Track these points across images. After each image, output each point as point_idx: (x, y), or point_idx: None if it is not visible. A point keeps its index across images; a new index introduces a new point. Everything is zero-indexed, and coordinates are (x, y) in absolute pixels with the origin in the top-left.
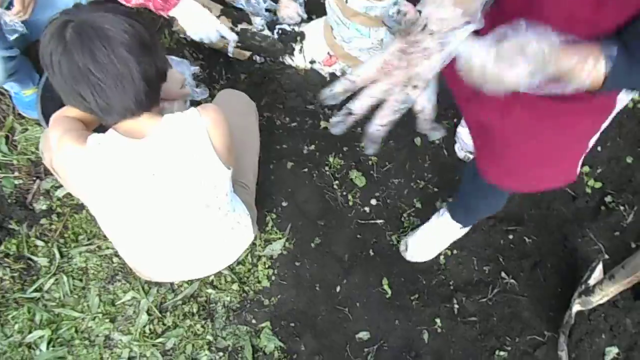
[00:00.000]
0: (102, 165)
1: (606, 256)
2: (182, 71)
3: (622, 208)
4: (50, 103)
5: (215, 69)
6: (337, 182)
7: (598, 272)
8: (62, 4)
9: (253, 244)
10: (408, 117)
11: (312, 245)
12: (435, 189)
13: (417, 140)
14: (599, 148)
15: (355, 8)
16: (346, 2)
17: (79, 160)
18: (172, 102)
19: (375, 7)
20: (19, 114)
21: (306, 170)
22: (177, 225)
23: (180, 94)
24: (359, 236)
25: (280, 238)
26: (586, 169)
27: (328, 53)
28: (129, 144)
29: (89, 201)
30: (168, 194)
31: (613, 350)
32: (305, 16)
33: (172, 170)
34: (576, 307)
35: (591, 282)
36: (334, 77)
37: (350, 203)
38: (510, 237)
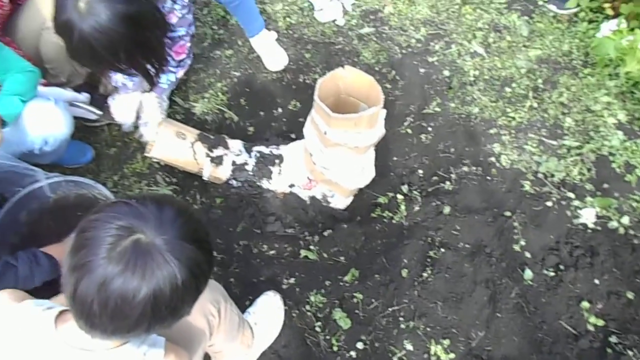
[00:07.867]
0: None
1: None
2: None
3: (630, 353)
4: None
5: (189, 193)
6: (319, 323)
7: None
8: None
9: None
10: (394, 251)
11: None
12: (428, 328)
13: (404, 272)
14: (596, 281)
15: (334, 140)
16: (325, 133)
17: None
18: None
19: (354, 138)
20: None
21: (286, 308)
22: None
23: None
24: None
25: None
26: (585, 304)
27: (308, 177)
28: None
29: None
30: None
31: None
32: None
33: None
34: None
35: None
36: (314, 200)
37: (335, 348)
38: None
